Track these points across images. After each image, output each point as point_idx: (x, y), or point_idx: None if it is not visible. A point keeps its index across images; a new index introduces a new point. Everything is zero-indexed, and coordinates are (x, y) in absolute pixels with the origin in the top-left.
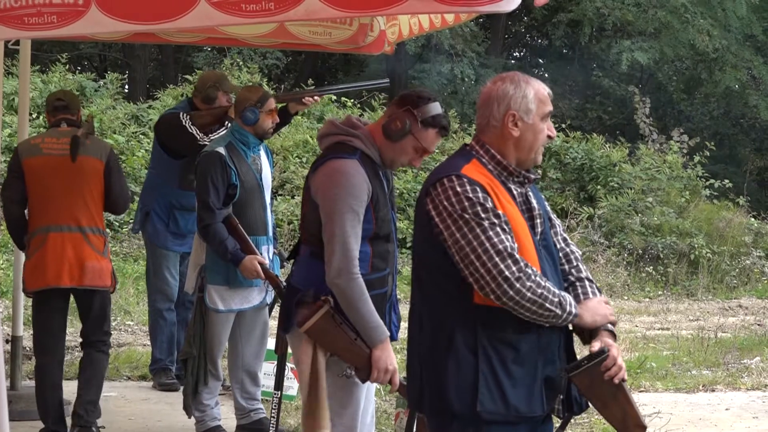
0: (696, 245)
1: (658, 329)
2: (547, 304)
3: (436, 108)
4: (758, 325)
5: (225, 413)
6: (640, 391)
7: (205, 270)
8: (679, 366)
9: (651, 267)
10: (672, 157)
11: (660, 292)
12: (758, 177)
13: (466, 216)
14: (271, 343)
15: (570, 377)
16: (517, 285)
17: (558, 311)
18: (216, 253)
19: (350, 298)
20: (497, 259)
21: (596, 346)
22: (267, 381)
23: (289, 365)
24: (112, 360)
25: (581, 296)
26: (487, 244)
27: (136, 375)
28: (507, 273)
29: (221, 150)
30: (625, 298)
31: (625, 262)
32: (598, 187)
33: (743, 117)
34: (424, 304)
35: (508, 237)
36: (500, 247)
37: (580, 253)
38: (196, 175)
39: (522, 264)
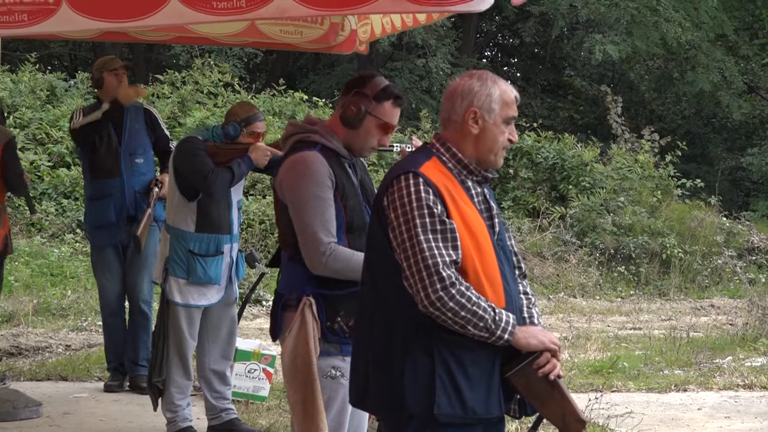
0: (668, 245)
1: (630, 329)
2: (470, 327)
3: (382, 81)
4: (730, 324)
5: (197, 413)
6: (612, 391)
7: (169, 261)
8: (651, 366)
9: (623, 267)
10: (643, 156)
11: (632, 292)
12: (730, 176)
13: (409, 217)
14: (241, 343)
15: (506, 378)
16: (437, 303)
17: (484, 334)
18: (240, 178)
19: (339, 270)
20: (424, 273)
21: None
22: (238, 381)
23: (261, 366)
24: (83, 361)
25: (526, 317)
26: (419, 256)
27: (107, 376)
28: (429, 290)
29: (200, 138)
30: (597, 297)
31: (597, 262)
32: (570, 186)
33: (715, 116)
34: (378, 303)
35: (449, 246)
36: (430, 261)
37: (525, 266)
38: (176, 162)
39: (447, 282)
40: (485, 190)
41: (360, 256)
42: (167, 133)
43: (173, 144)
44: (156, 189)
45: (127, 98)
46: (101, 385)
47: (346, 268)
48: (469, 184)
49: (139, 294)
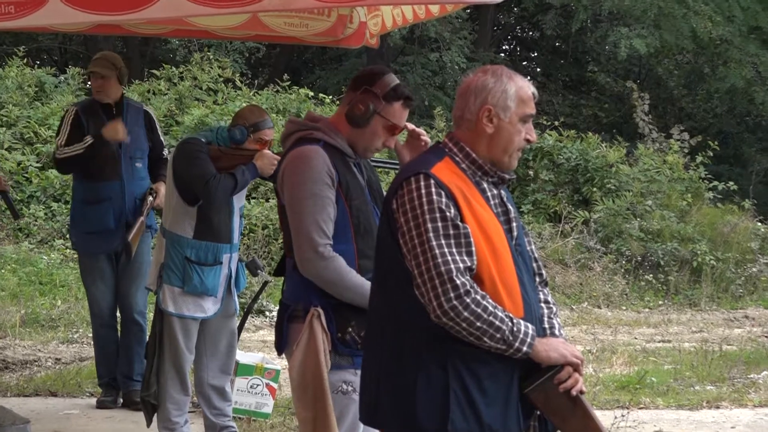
0: (699, 252)
1: (659, 342)
2: (486, 339)
3: (393, 79)
4: (765, 336)
5: (195, 431)
6: (640, 408)
7: (163, 268)
8: (681, 381)
9: (651, 275)
10: (672, 157)
11: (660, 302)
12: (765, 178)
13: (420, 221)
14: (243, 356)
15: (525, 394)
16: (451, 313)
17: (501, 346)
18: (243, 186)
19: (331, 281)
20: (437, 280)
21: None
22: (240, 397)
23: (264, 381)
24: (74, 375)
25: (547, 328)
26: (431, 263)
27: (100, 392)
28: (443, 298)
29: (202, 140)
30: (624, 308)
31: (623, 270)
32: (594, 189)
33: (748, 114)
34: (389, 310)
35: (462, 252)
36: (443, 268)
37: (546, 273)
38: (176, 164)
39: (462, 291)
40: (502, 192)
41: (357, 279)
42: (163, 139)
43: (167, 152)
44: (150, 198)
45: (113, 136)
46: (93, 401)
47: (337, 282)
48: (485, 185)
49: (132, 304)
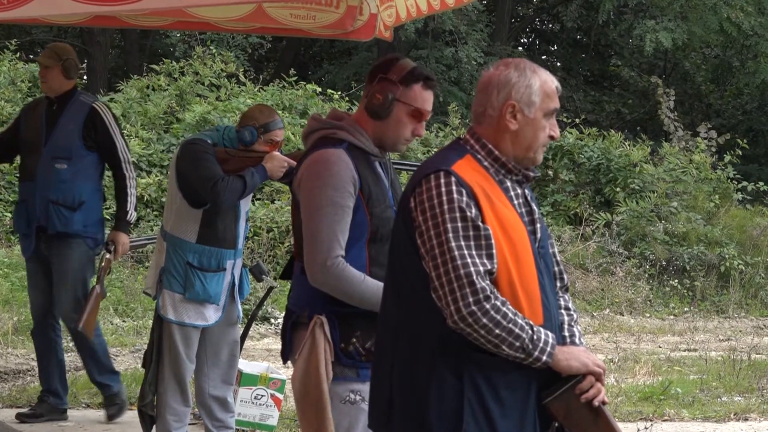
0: (727, 256)
1: (684, 350)
2: (504, 346)
3: (408, 63)
4: None
5: None
6: (664, 420)
7: (163, 272)
8: (707, 392)
9: (676, 280)
10: (699, 156)
11: (686, 309)
12: None
13: (439, 220)
14: (246, 366)
15: (544, 405)
16: (469, 319)
17: (520, 354)
18: (252, 189)
19: (343, 290)
20: (456, 284)
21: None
22: (243, 409)
23: (269, 391)
24: (69, 385)
25: (567, 336)
26: (450, 265)
27: (96, 402)
28: (461, 303)
29: (208, 141)
30: (647, 315)
31: (646, 275)
32: (617, 190)
33: None
34: (402, 314)
35: (483, 254)
36: (462, 271)
37: (567, 278)
38: (180, 165)
39: (482, 295)
40: (526, 192)
41: (372, 282)
42: (117, 140)
43: (124, 153)
44: (108, 256)
45: None
46: (89, 412)
47: (351, 293)
48: (508, 184)
49: (60, 313)
